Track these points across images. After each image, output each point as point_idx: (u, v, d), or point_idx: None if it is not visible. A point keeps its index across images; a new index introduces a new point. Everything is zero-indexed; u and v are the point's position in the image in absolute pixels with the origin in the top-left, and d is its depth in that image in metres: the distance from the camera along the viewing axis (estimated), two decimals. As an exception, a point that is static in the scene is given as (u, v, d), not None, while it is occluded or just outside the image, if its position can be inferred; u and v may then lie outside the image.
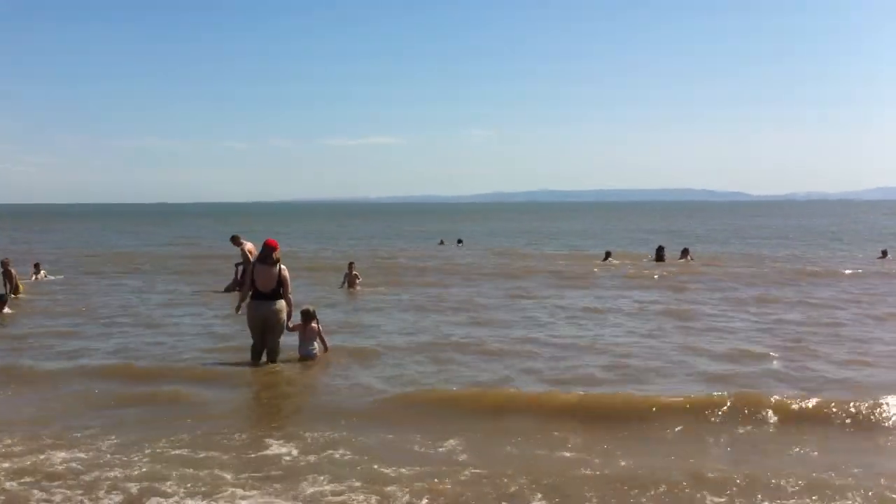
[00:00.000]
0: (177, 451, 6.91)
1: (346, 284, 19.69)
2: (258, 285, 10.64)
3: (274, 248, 10.64)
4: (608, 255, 28.30)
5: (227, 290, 18.84)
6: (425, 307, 16.35)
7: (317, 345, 11.05)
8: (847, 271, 23.15)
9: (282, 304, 10.66)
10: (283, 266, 10.72)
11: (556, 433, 7.38)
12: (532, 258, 30.89)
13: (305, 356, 10.93)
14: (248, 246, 18.11)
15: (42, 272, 22.35)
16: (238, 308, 11.41)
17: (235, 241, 18.55)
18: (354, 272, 20.00)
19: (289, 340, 10.99)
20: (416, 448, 6.99)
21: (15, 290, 17.76)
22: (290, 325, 10.89)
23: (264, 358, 10.72)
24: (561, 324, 14.10)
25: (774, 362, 10.52)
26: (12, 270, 18.58)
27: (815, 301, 16.63)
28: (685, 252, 27.71)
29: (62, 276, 23.02)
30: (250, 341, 10.79)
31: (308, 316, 10.98)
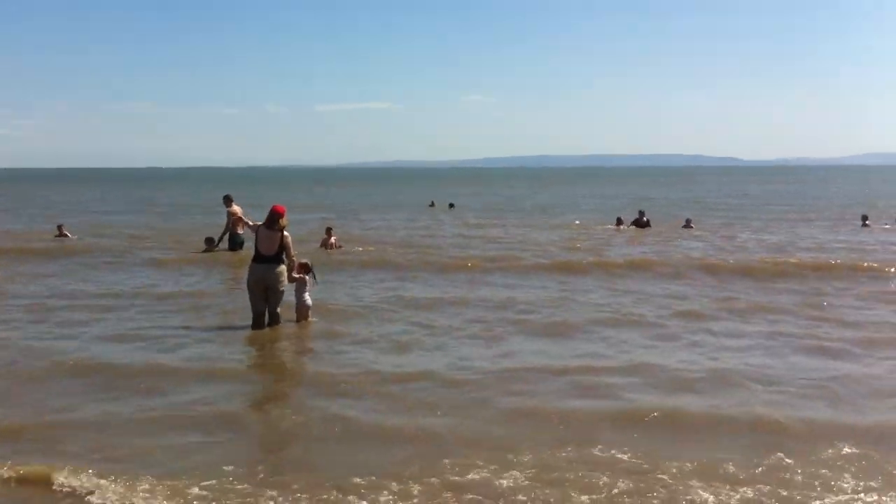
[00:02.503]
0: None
1: (322, 248, 19.88)
2: (260, 249, 11.01)
3: (281, 215, 10.99)
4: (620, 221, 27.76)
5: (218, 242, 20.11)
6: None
7: (308, 296, 11.48)
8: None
9: (282, 267, 11.04)
10: (287, 233, 11.10)
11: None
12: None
13: (301, 307, 11.40)
14: (235, 209, 19.63)
15: (66, 233, 23.82)
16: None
17: (227, 201, 20.12)
18: (333, 238, 20.27)
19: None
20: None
21: None
22: (301, 280, 11.38)
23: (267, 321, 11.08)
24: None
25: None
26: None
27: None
28: (688, 222, 27.21)
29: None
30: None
31: (305, 268, 11.48)
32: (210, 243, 20.09)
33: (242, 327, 11.13)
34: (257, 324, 11.08)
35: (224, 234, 19.99)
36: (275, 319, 11.14)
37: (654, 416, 7.07)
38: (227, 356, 9.60)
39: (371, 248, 20.57)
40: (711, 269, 16.57)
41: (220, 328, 11.20)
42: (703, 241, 22.52)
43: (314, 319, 11.43)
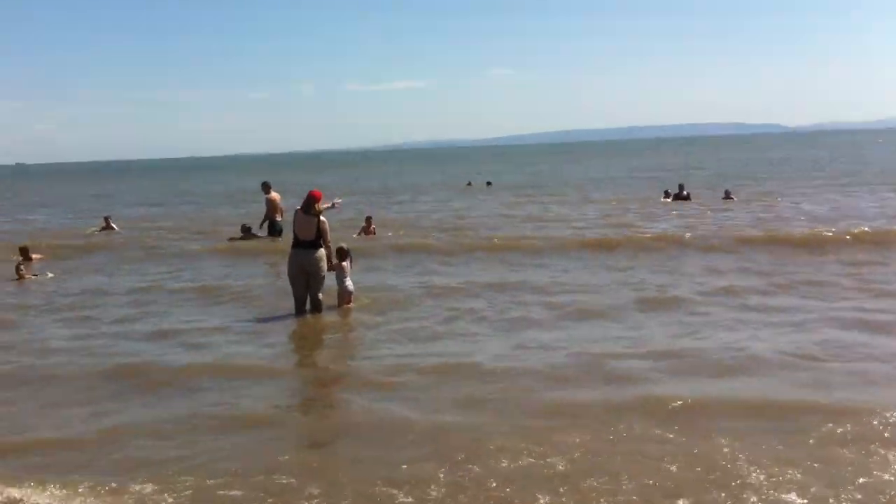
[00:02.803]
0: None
1: (361, 234, 19.88)
2: (298, 234, 11.12)
3: (316, 199, 11.10)
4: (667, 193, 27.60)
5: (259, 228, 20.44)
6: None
7: (349, 281, 11.59)
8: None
9: (321, 252, 11.09)
10: (323, 218, 11.15)
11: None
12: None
13: (343, 293, 11.52)
14: (274, 195, 20.16)
15: (113, 225, 24.41)
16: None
17: (265, 187, 20.45)
18: (373, 226, 20.21)
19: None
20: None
21: None
22: (340, 267, 11.45)
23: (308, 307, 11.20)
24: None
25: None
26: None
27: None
28: (727, 193, 26.65)
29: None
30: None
31: (342, 253, 11.53)
32: (247, 231, 20.28)
33: (283, 316, 11.19)
34: (299, 310, 11.18)
35: (264, 220, 20.30)
36: (316, 305, 11.19)
37: (697, 401, 6.91)
38: (265, 352, 9.46)
39: (403, 233, 20.53)
40: (750, 242, 16.24)
41: (260, 320, 11.18)
42: (745, 212, 22.15)
43: (353, 306, 11.46)
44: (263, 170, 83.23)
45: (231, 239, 20.16)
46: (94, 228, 24.39)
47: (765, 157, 71.13)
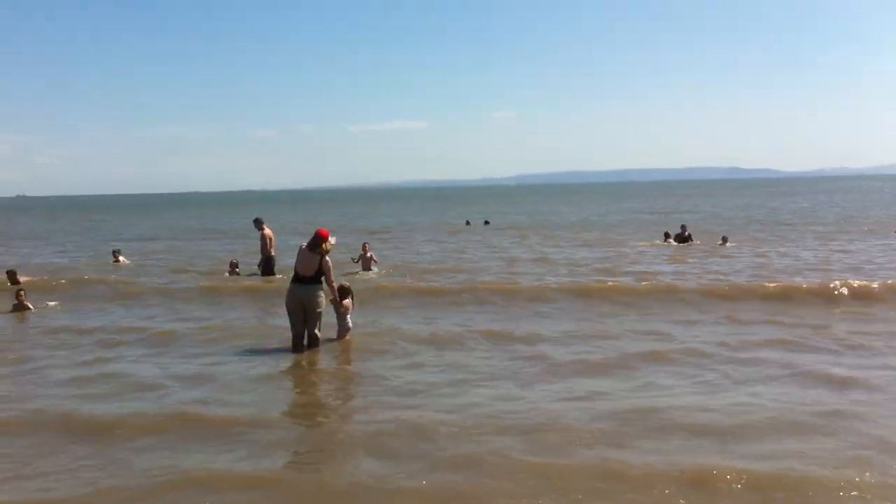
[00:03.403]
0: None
1: (359, 264, 19.85)
2: (299, 269, 11.18)
3: (324, 239, 11.11)
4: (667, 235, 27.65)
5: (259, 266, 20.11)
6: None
7: (349, 319, 11.78)
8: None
9: (321, 289, 11.18)
10: (327, 258, 11.19)
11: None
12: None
13: (342, 329, 11.68)
14: (268, 231, 19.78)
15: (121, 259, 24.46)
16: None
17: (258, 224, 20.00)
18: (370, 254, 20.17)
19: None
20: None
21: None
22: (342, 305, 11.61)
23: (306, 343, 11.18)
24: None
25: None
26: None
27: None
28: (724, 239, 26.32)
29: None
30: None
31: (345, 291, 11.70)
32: (234, 267, 20.43)
33: (280, 350, 11.19)
34: (296, 345, 11.16)
35: (264, 259, 19.64)
36: (313, 341, 11.20)
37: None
38: (257, 398, 8.85)
39: (393, 271, 20.28)
40: (750, 295, 15.30)
41: (252, 354, 11.13)
42: (740, 262, 21.53)
43: (349, 338, 11.64)
44: (263, 206, 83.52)
45: (224, 277, 20.17)
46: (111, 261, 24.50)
47: (758, 203, 71.28)
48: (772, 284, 16.03)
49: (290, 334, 11.28)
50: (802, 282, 16.29)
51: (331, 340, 11.54)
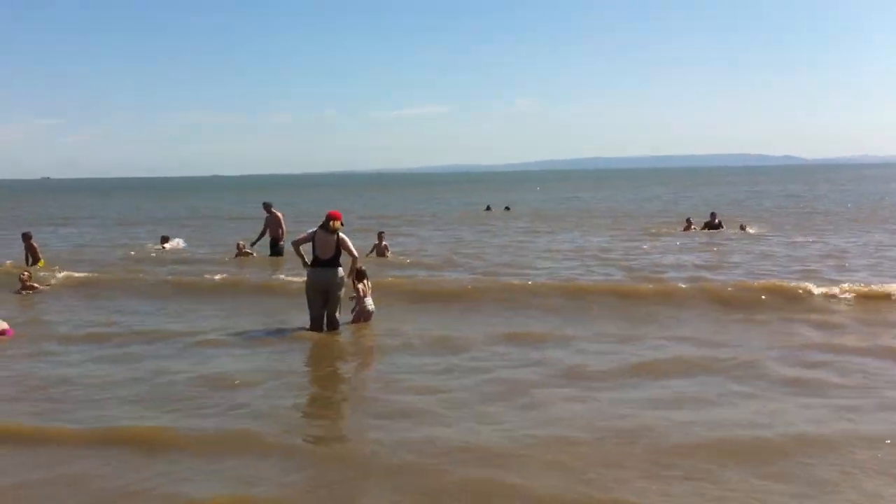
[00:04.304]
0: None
1: (374, 254, 19.62)
2: (318, 253, 11.19)
3: (334, 218, 11.14)
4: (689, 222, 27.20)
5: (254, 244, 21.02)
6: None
7: (369, 300, 11.86)
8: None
9: (340, 270, 11.22)
10: (342, 234, 11.22)
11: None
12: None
13: (362, 312, 11.79)
14: (276, 213, 20.70)
15: (168, 244, 23.89)
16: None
17: (267, 207, 20.80)
18: (384, 243, 20.05)
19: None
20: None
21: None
22: (360, 289, 11.73)
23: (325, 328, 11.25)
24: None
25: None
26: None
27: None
28: (742, 227, 26.04)
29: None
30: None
31: (360, 274, 11.80)
32: (241, 249, 20.61)
33: (298, 337, 11.14)
34: (315, 327, 11.24)
35: (259, 238, 20.87)
36: (333, 324, 11.26)
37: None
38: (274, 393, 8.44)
39: (409, 262, 19.44)
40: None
41: (271, 336, 11.13)
42: (765, 249, 20.96)
43: (370, 323, 11.68)
44: (283, 190, 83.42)
45: (239, 255, 20.40)
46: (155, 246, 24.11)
47: (779, 189, 70.50)
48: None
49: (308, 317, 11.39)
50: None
51: (347, 324, 11.59)
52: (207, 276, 16.67)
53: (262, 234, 20.83)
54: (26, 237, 19.15)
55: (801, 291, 13.42)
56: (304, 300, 11.42)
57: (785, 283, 14.05)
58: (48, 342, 11.06)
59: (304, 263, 11.32)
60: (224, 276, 16.73)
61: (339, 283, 11.18)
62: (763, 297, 13.31)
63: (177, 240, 24.56)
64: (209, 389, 8.46)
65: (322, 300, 11.19)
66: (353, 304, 11.79)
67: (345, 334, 11.21)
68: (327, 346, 10.67)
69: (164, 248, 23.44)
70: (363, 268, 12.05)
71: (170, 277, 17.17)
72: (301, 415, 7.89)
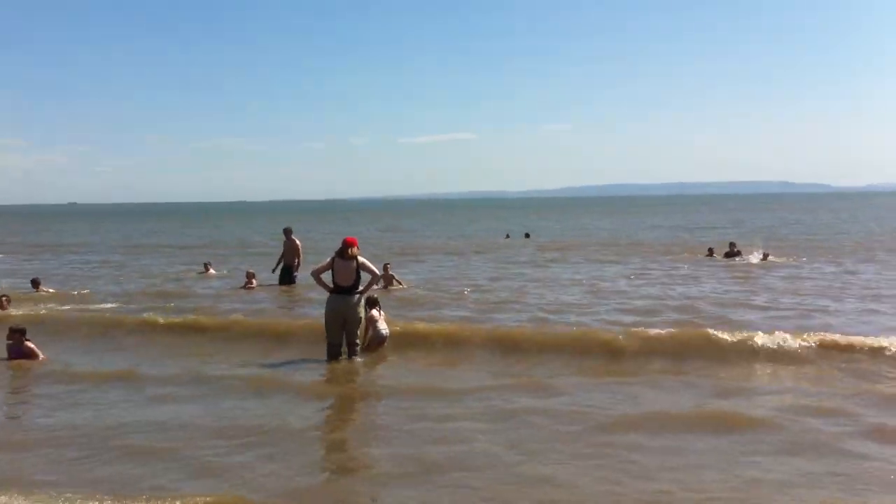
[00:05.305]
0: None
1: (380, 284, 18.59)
2: (338, 280, 11.29)
3: (350, 245, 11.29)
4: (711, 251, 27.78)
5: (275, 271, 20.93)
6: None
7: (383, 325, 12.09)
8: None
9: (359, 297, 11.31)
10: (361, 258, 11.35)
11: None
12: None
13: (377, 337, 11.96)
14: (297, 242, 20.90)
15: (211, 270, 24.35)
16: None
17: (287, 233, 20.99)
18: (391, 273, 19.49)
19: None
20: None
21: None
22: (372, 315, 11.90)
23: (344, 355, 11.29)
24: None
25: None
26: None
27: None
28: (765, 255, 25.51)
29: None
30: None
31: (372, 302, 12.05)
32: (251, 277, 20.22)
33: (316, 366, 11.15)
34: (332, 354, 11.29)
35: (278, 264, 20.75)
36: (352, 350, 11.35)
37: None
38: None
39: (418, 292, 18.76)
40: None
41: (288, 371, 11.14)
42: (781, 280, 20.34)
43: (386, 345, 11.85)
44: (306, 216, 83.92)
45: (239, 287, 20.11)
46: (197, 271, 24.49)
47: (810, 218, 69.89)
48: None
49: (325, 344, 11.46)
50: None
51: (364, 351, 11.67)
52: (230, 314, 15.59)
53: (281, 260, 20.66)
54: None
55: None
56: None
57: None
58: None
59: (328, 290, 11.44)
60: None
61: (357, 308, 11.28)
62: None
63: (211, 269, 24.49)
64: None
65: (340, 326, 11.27)
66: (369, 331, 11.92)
67: (360, 367, 11.16)
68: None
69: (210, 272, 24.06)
70: (374, 296, 12.24)
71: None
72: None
